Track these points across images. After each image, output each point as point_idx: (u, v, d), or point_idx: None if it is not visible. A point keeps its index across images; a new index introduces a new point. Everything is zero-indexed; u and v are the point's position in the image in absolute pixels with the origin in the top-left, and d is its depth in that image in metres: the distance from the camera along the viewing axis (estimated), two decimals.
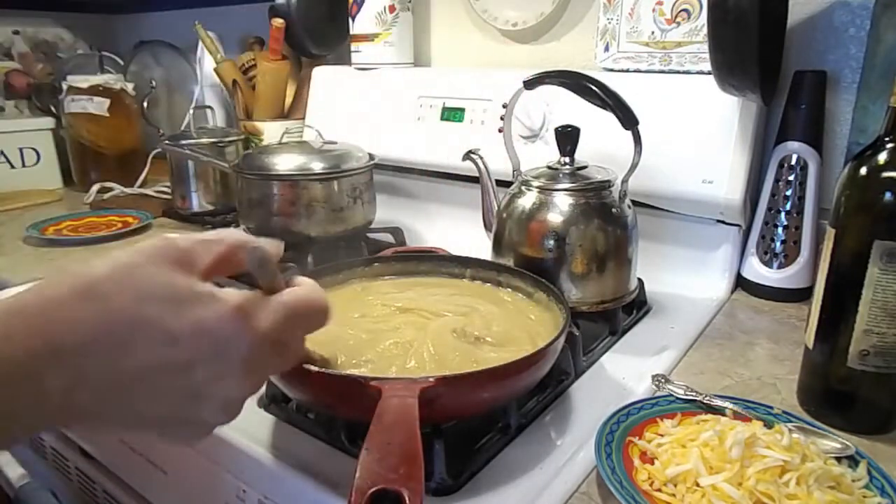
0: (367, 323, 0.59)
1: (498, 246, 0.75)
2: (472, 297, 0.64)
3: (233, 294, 0.36)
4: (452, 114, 1.02)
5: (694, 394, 0.56)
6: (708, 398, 0.55)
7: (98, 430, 0.34)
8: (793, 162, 0.80)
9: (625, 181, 0.71)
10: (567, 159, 0.73)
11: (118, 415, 0.33)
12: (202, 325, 0.34)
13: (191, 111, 1.25)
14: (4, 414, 0.30)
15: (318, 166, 0.91)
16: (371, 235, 1.01)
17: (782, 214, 0.81)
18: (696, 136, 0.80)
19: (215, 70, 1.29)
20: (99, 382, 0.32)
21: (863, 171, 0.51)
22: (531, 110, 0.91)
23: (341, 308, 0.62)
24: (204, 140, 1.14)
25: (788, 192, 0.81)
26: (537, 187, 0.71)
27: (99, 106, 1.37)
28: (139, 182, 1.36)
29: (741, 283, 0.85)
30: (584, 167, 0.73)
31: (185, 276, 0.35)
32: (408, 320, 0.59)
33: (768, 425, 0.49)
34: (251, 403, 0.57)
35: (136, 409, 0.33)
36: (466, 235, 0.88)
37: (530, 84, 0.72)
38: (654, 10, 0.88)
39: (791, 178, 0.80)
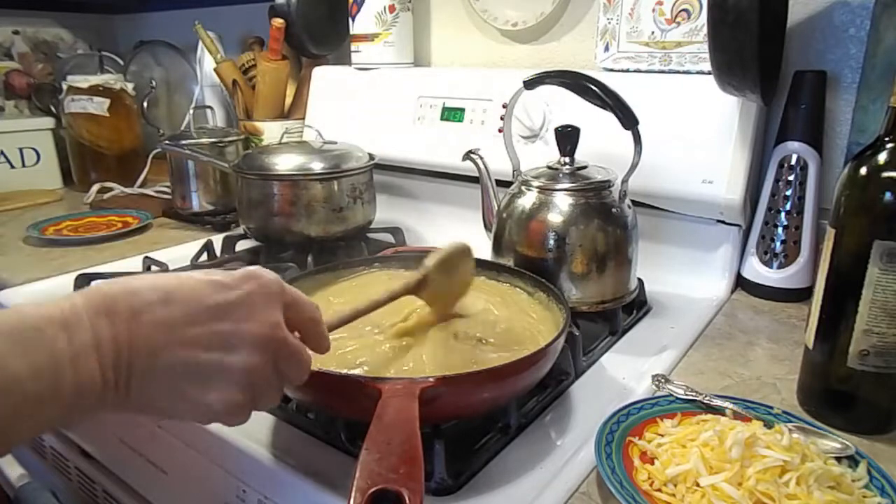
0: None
1: (498, 246, 0.75)
2: (476, 295, 0.64)
3: None
4: (452, 114, 1.02)
5: (694, 394, 0.56)
6: (708, 398, 0.55)
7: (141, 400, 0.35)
8: (793, 162, 0.80)
9: (625, 181, 0.71)
10: (567, 159, 0.73)
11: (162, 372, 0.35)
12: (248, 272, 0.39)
13: (191, 111, 1.25)
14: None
15: (318, 166, 0.91)
16: (371, 235, 1.01)
17: (782, 214, 0.81)
18: (696, 136, 0.80)
19: (215, 70, 1.28)
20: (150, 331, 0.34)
21: (863, 171, 0.51)
22: (531, 110, 0.90)
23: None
24: (204, 140, 1.13)
25: (788, 192, 0.81)
26: (537, 187, 0.71)
27: (99, 106, 1.37)
28: (139, 182, 1.36)
29: (741, 283, 0.85)
30: (584, 167, 0.73)
31: None
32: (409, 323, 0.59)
33: (768, 425, 0.49)
34: None
35: (179, 358, 0.35)
36: (466, 235, 0.87)
37: (530, 84, 0.72)
38: (654, 10, 0.88)
39: (791, 178, 0.80)
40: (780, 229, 0.81)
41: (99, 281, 0.36)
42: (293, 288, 0.41)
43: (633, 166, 0.70)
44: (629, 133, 0.68)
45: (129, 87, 1.43)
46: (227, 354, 0.36)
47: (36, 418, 0.32)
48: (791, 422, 0.52)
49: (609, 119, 0.68)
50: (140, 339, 0.34)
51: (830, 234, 0.53)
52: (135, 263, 0.91)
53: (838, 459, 0.47)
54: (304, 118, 1.23)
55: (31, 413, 0.31)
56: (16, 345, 0.31)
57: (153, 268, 0.87)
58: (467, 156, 0.79)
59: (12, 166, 1.42)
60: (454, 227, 1.02)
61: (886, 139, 0.50)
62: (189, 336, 0.35)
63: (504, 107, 0.78)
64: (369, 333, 0.56)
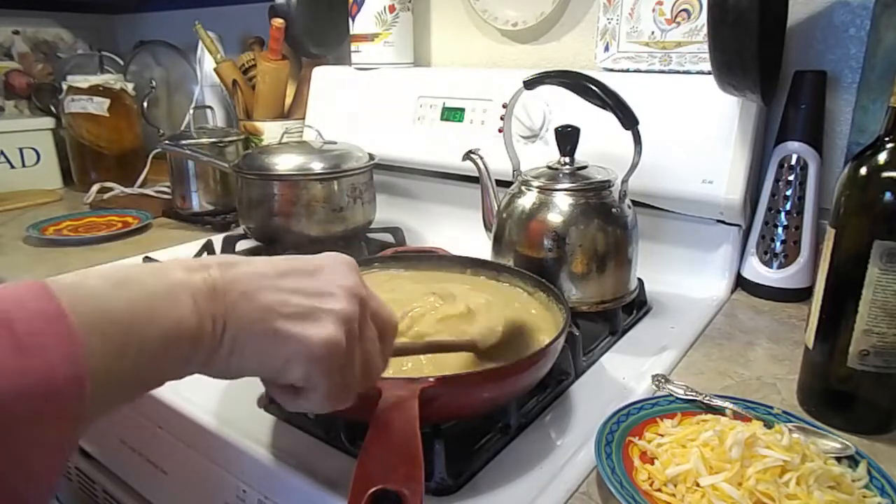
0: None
1: (498, 246, 0.75)
2: (477, 295, 0.64)
3: None
4: (452, 114, 1.02)
5: (694, 394, 0.56)
6: (708, 398, 0.55)
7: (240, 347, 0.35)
8: (793, 162, 0.80)
9: (625, 181, 0.71)
10: (567, 159, 0.73)
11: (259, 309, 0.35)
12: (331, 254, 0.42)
13: (191, 111, 1.25)
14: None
15: (318, 166, 0.91)
16: (371, 235, 1.01)
17: (782, 214, 0.81)
18: (696, 136, 0.80)
19: (215, 70, 1.29)
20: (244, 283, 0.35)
21: (863, 171, 0.51)
22: (531, 110, 0.90)
23: None
24: (204, 140, 1.14)
25: (788, 192, 0.81)
26: (537, 187, 0.71)
27: (99, 106, 1.37)
28: (139, 182, 1.36)
29: (741, 283, 0.85)
30: (584, 167, 0.73)
31: None
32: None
33: (768, 425, 0.49)
34: (251, 403, 0.57)
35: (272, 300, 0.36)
36: (466, 235, 0.88)
37: (530, 84, 0.72)
38: (654, 10, 0.88)
39: (791, 178, 0.80)
40: (780, 229, 0.81)
41: None
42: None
43: (633, 166, 0.70)
44: (629, 133, 0.68)
45: (129, 87, 1.43)
46: (322, 301, 0.37)
47: (136, 361, 0.30)
48: (791, 422, 0.52)
49: (609, 119, 0.68)
50: (234, 282, 0.35)
51: (830, 234, 0.53)
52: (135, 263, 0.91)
53: (838, 459, 0.47)
54: (304, 118, 1.23)
55: (136, 353, 0.30)
56: (106, 280, 0.31)
57: None
58: (467, 156, 0.79)
59: (12, 166, 1.42)
60: (454, 227, 1.02)
61: (886, 139, 0.50)
62: (281, 284, 0.36)
63: (504, 107, 0.78)
64: None
